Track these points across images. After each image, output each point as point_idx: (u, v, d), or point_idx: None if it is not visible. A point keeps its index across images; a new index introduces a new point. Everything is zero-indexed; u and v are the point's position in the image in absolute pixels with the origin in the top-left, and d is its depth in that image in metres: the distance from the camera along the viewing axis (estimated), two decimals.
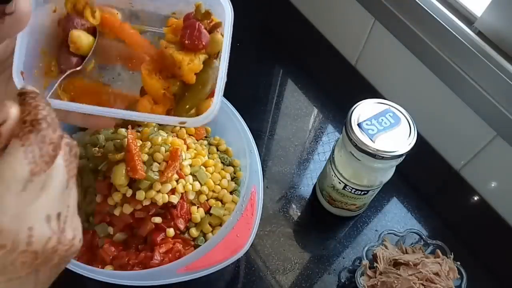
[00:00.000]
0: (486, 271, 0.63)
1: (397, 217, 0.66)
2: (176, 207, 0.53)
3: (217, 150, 0.63)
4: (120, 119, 0.38)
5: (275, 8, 0.93)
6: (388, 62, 0.75)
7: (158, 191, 0.52)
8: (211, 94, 0.38)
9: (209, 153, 0.61)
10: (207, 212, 0.56)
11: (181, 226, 0.53)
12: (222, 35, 0.36)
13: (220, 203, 0.57)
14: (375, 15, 0.72)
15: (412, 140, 0.51)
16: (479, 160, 0.67)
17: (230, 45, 0.36)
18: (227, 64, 0.36)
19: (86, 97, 0.38)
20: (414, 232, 0.60)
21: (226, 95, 0.61)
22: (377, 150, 0.50)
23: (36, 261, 0.26)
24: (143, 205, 0.52)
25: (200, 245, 0.52)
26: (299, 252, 0.61)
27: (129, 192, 0.52)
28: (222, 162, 0.61)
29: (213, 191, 0.57)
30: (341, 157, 0.56)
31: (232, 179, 0.60)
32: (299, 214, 0.65)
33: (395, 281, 0.53)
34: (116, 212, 0.52)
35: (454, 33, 0.60)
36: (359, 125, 0.52)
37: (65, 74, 0.37)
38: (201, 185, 0.56)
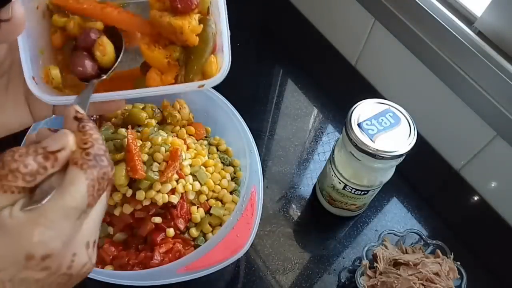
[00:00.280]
0: (486, 271, 0.63)
1: (397, 217, 0.66)
2: (176, 207, 0.53)
3: (217, 150, 0.63)
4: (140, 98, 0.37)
5: (275, 8, 0.93)
6: (388, 62, 0.75)
7: (158, 191, 0.52)
8: (213, 51, 0.38)
9: (209, 153, 0.61)
10: (207, 212, 0.56)
11: (181, 226, 0.53)
12: None
13: (220, 203, 0.57)
14: (375, 15, 0.72)
15: (412, 140, 0.51)
16: (479, 160, 0.67)
17: None
18: (227, 18, 0.36)
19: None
20: (414, 232, 0.60)
21: (226, 95, 0.62)
22: (377, 150, 0.50)
23: (69, 282, 0.28)
24: (143, 205, 0.52)
25: (200, 245, 0.52)
26: (299, 252, 0.61)
27: (129, 192, 0.52)
28: (222, 162, 0.61)
29: (213, 191, 0.57)
30: (341, 157, 0.56)
31: (232, 179, 0.60)
32: (299, 214, 0.65)
33: (395, 281, 0.53)
34: (116, 212, 0.52)
35: (454, 33, 0.60)
36: (359, 125, 0.52)
37: (98, 80, 0.37)
38: (201, 185, 0.56)
